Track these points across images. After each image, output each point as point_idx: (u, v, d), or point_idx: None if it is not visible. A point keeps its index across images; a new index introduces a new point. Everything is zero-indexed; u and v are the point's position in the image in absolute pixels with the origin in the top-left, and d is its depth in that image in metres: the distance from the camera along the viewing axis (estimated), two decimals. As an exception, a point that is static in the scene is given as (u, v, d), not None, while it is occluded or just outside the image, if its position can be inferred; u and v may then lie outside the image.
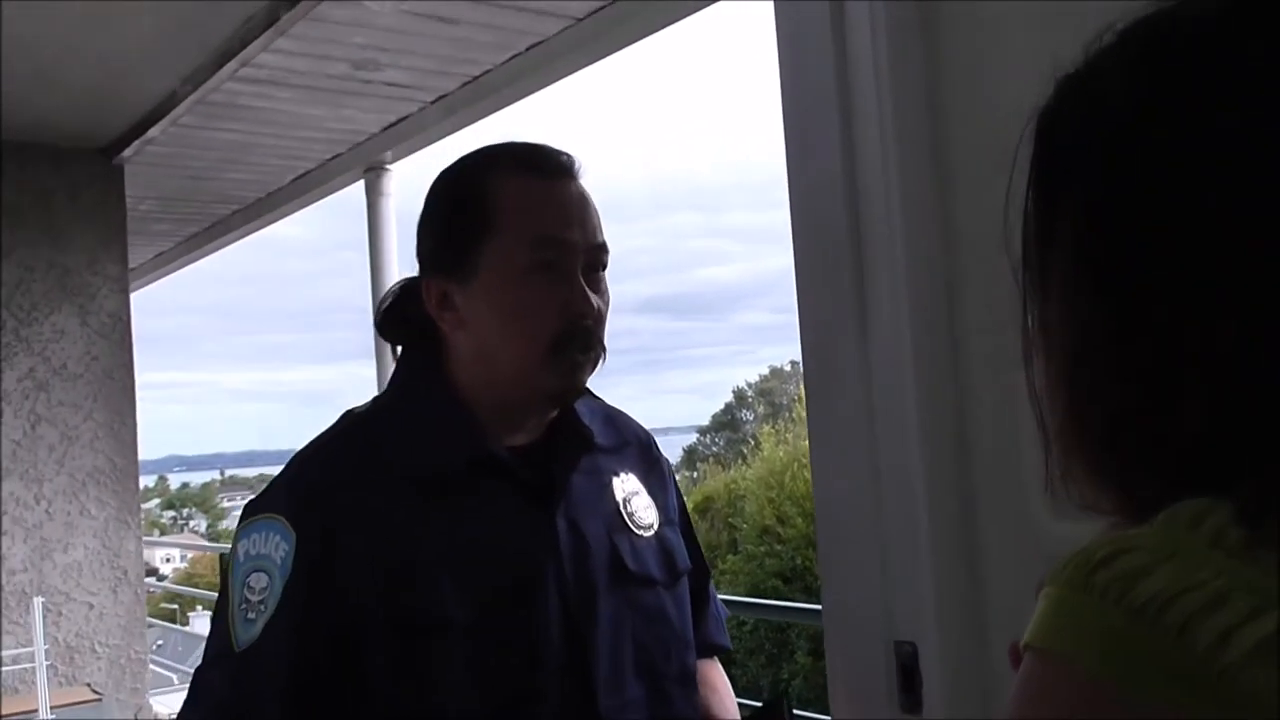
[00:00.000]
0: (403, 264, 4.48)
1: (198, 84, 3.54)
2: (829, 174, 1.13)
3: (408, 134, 4.08)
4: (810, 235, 1.17)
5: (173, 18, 3.12)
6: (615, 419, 1.36)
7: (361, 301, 4.50)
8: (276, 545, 1.12)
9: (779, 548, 13.38)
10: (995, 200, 0.64)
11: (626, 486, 1.29)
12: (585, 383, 1.22)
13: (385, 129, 4.11)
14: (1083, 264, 0.58)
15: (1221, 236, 0.53)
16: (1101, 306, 0.57)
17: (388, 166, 4.49)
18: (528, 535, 1.18)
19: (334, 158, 4.49)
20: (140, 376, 4.47)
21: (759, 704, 1.24)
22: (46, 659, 3.84)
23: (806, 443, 1.35)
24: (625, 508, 1.27)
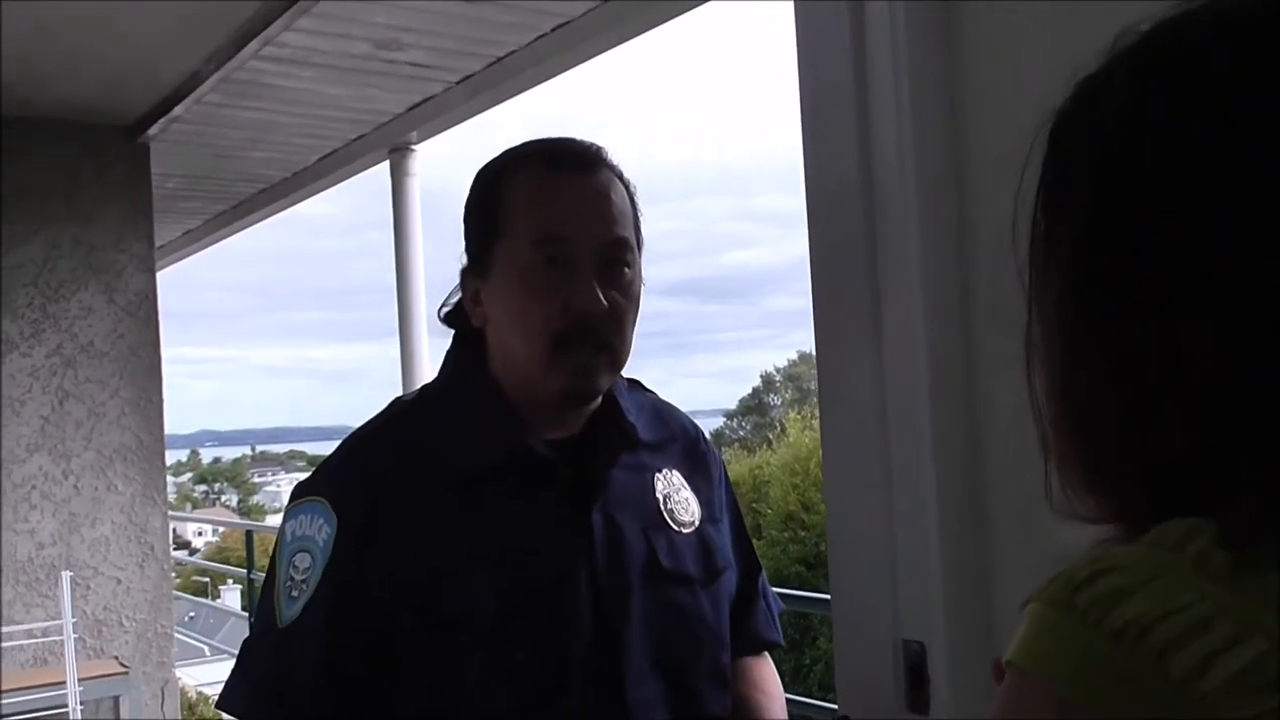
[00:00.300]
0: (427, 244, 4.49)
1: (221, 63, 3.54)
2: (845, 172, 1.12)
3: (432, 115, 4.06)
4: (825, 234, 1.16)
5: (196, -3, 3.13)
6: (664, 413, 1.36)
7: (389, 281, 4.51)
8: (320, 528, 1.16)
9: (803, 534, 13.36)
10: (1013, 201, 0.64)
11: (669, 483, 1.28)
12: (599, 383, 1.21)
13: (409, 109, 4.09)
14: (1077, 274, 0.58)
15: (1204, 259, 0.53)
16: (1092, 318, 0.57)
17: (413, 147, 4.47)
18: (562, 531, 1.18)
19: (359, 138, 4.48)
20: (173, 351, 4.52)
21: None
22: (74, 632, 3.89)
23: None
24: (665, 504, 1.26)
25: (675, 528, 1.25)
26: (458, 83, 3.80)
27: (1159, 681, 0.47)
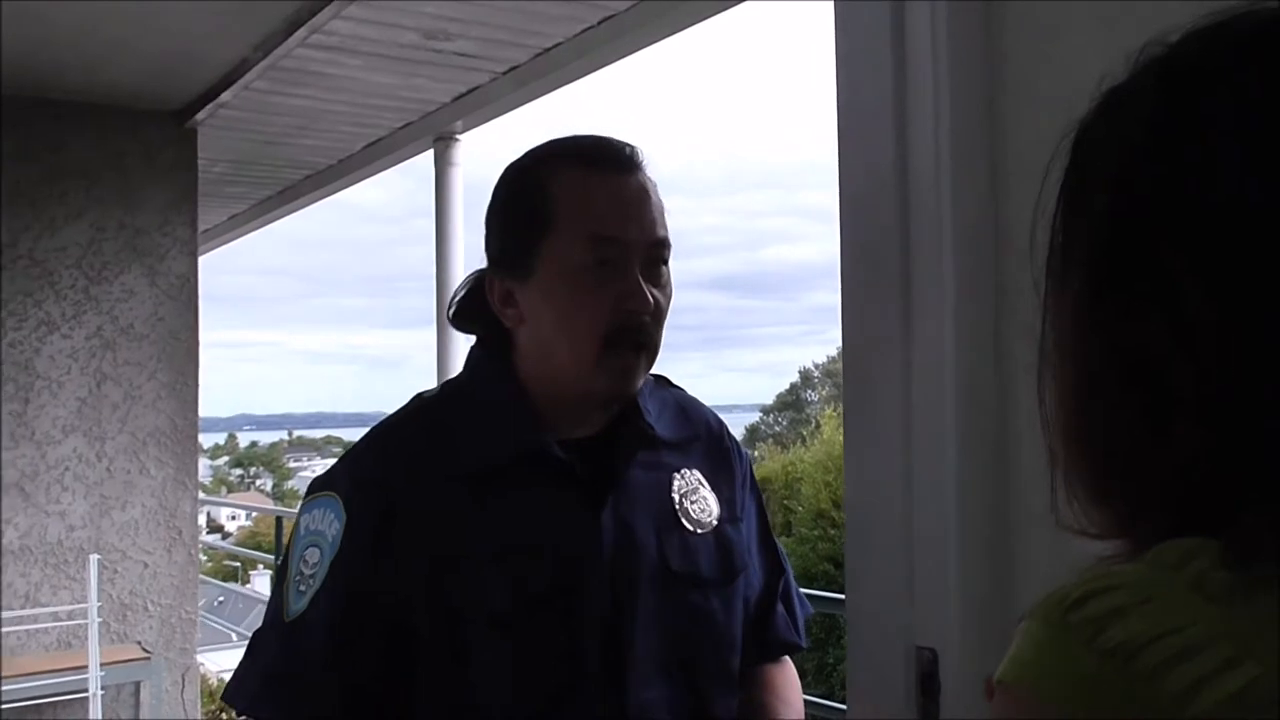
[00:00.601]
0: (469, 234, 4.46)
1: (269, 50, 3.53)
2: (880, 176, 1.10)
3: (477, 104, 4.04)
4: (858, 238, 1.14)
5: (245, -18, 3.11)
6: (689, 411, 1.36)
7: (431, 270, 4.49)
8: (330, 523, 1.17)
9: (833, 532, 13.31)
10: (1049, 208, 0.63)
11: (686, 482, 1.28)
12: (637, 384, 1.22)
13: (455, 99, 4.07)
14: (1093, 284, 0.58)
15: (1221, 274, 0.52)
16: (1106, 329, 0.57)
17: (458, 137, 4.46)
18: (573, 531, 1.18)
19: (404, 126, 4.47)
20: (214, 335, 4.56)
21: None
22: (99, 616, 3.88)
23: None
24: (681, 504, 1.26)
25: (690, 528, 1.25)
26: (504, 73, 3.78)
27: (1149, 704, 0.47)
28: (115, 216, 4.29)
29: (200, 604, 4.99)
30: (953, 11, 1.05)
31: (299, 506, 1.25)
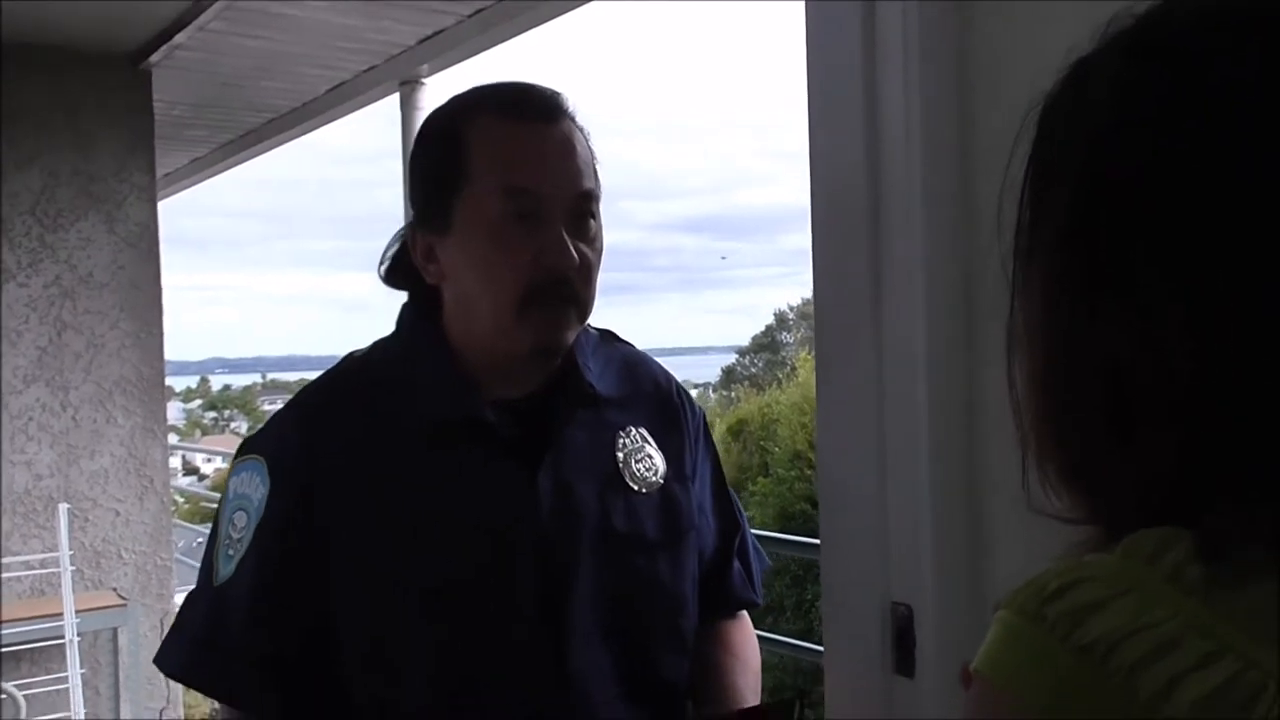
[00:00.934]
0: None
1: (225, -11, 3.44)
2: (852, 151, 1.08)
3: (443, 48, 3.95)
4: (829, 213, 1.12)
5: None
6: (635, 367, 1.31)
7: (401, 212, 4.44)
8: (256, 487, 1.14)
9: (809, 472, 13.44)
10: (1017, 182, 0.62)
11: (632, 441, 1.24)
12: (567, 337, 1.17)
13: (420, 42, 3.99)
14: (1061, 265, 0.56)
15: (1189, 255, 0.51)
16: (1074, 312, 0.55)
17: (423, 81, 4.37)
18: (506, 496, 1.15)
19: (368, 70, 4.37)
20: (183, 278, 4.49)
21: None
22: (72, 564, 3.88)
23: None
24: (625, 465, 1.22)
25: (635, 488, 1.21)
26: (470, 16, 3.70)
27: (1125, 701, 0.46)
28: (69, 162, 4.19)
29: (179, 546, 4.98)
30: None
31: (229, 468, 1.22)
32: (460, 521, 1.12)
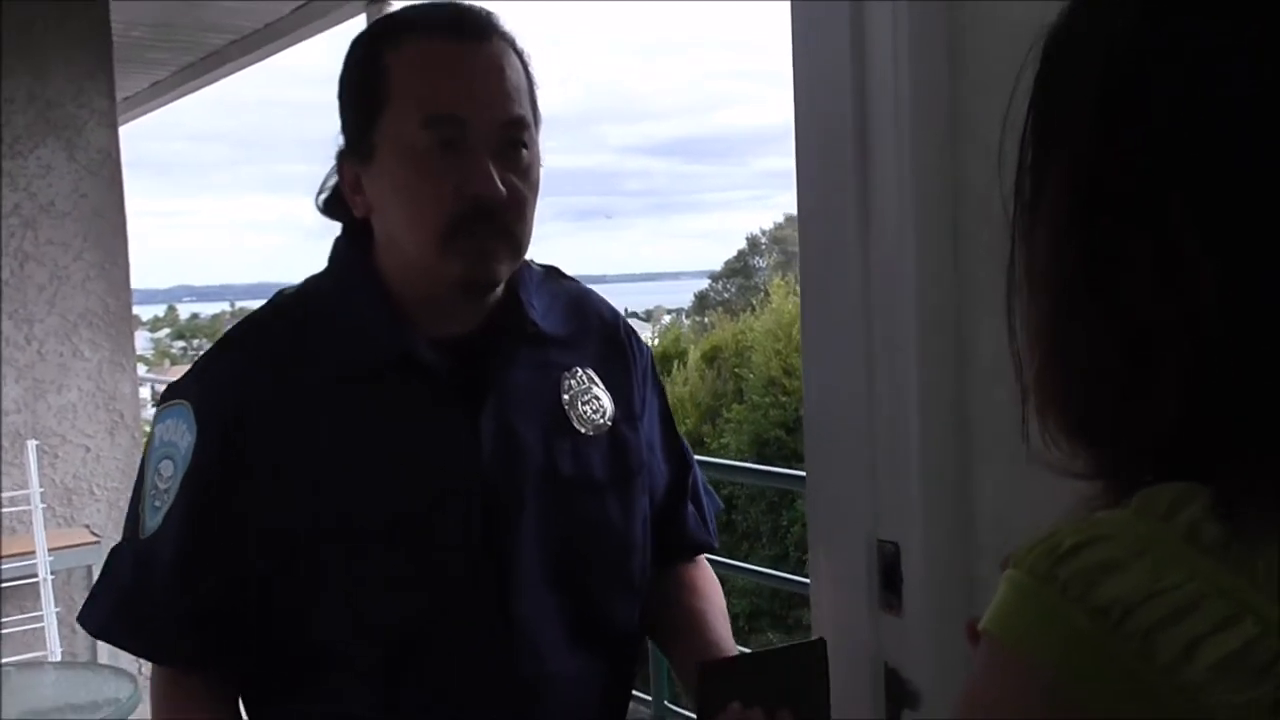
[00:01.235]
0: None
1: (180, -97, 3.30)
2: (837, 68, 1.05)
3: (409, -35, 3.84)
4: (814, 131, 1.09)
5: None
6: (580, 304, 1.26)
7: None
8: (183, 434, 1.10)
9: (784, 399, 13.54)
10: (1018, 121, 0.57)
11: (578, 382, 1.20)
12: (499, 270, 1.10)
13: (385, -41, 3.87)
14: (1072, 208, 0.53)
15: (1219, 190, 0.48)
16: (1086, 258, 0.52)
17: (391, 1, 4.26)
18: (446, 438, 1.11)
19: (333, -11, 4.26)
20: (144, 203, 4.37)
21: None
22: (43, 501, 3.83)
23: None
24: (571, 407, 1.18)
25: (582, 430, 1.17)
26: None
27: (1142, 666, 0.45)
28: (24, 87, 4.04)
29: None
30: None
31: (154, 414, 1.17)
32: (398, 464, 1.08)
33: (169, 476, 1.10)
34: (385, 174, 1.08)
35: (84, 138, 4.18)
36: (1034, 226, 0.56)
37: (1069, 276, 0.54)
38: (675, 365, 11.01)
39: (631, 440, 1.22)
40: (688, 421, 10.13)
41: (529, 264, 1.20)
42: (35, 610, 3.76)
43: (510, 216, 1.08)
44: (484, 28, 1.08)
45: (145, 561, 1.10)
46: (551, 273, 1.26)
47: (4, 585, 3.72)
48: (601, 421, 1.19)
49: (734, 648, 1.23)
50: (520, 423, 1.13)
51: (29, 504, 3.78)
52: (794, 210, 1.16)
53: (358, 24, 4.38)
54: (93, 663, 3.56)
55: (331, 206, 1.18)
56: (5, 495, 3.90)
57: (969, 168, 1.01)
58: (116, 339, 4.27)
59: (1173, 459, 0.51)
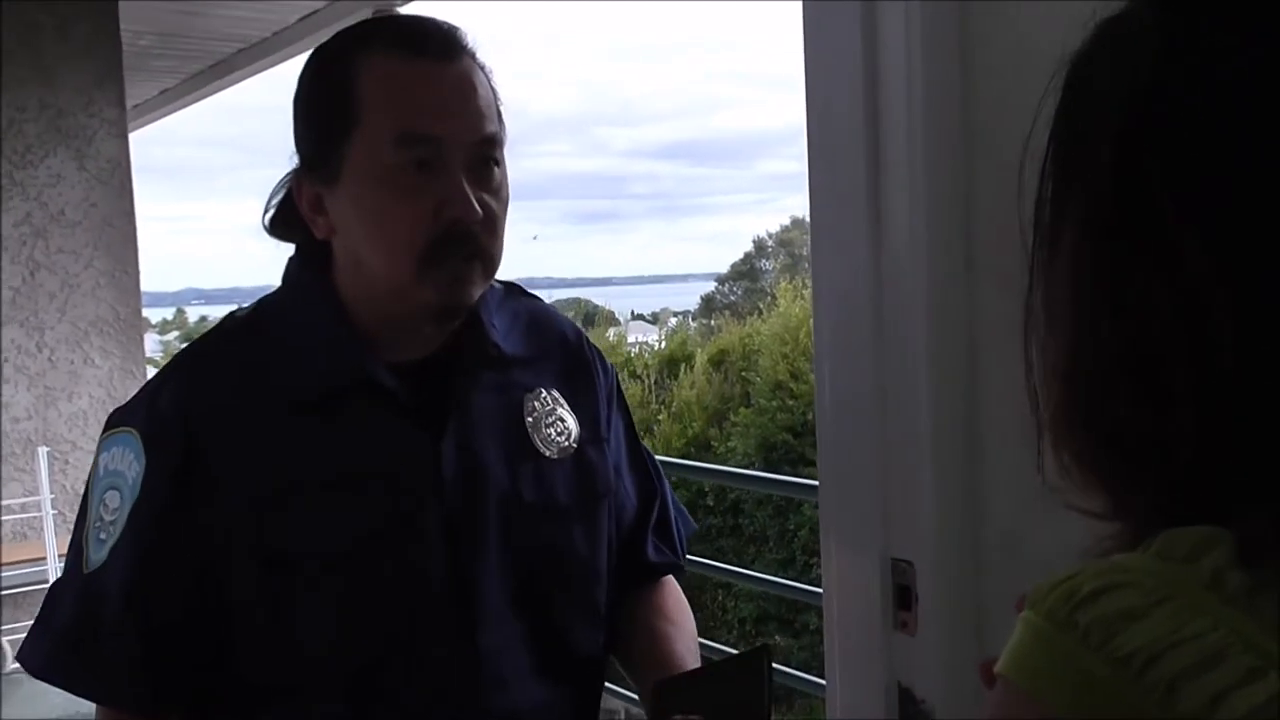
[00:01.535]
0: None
1: (190, -86, 3.32)
2: (849, 69, 1.03)
3: (417, -26, 3.85)
4: (826, 137, 1.08)
5: None
6: (541, 322, 1.23)
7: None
8: (130, 464, 1.05)
9: (791, 403, 13.51)
10: (1023, 113, 0.57)
11: (542, 404, 1.16)
12: (472, 294, 1.08)
13: (393, -31, 3.88)
14: (1091, 243, 0.52)
15: (1229, 251, 0.47)
16: (1104, 295, 0.51)
17: (397, 9, 4.26)
18: (407, 464, 1.07)
19: (341, -2, 4.27)
20: (153, 207, 4.38)
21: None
22: (54, 507, 3.85)
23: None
24: (535, 429, 1.15)
25: (546, 453, 1.14)
26: (444, -58, 3.59)
27: (1165, 716, 0.44)
28: (35, 96, 4.07)
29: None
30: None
31: (98, 442, 1.11)
32: (358, 491, 1.05)
33: (115, 508, 1.05)
34: (354, 195, 1.04)
35: (94, 147, 4.20)
36: (1053, 259, 0.55)
37: (1088, 314, 0.53)
38: (683, 369, 10.99)
39: (598, 462, 1.19)
40: (695, 425, 10.12)
41: (491, 283, 1.16)
42: (46, 617, 3.78)
43: (485, 238, 1.05)
44: (452, 45, 1.06)
45: (91, 597, 1.05)
46: (511, 290, 1.23)
47: (15, 591, 3.74)
48: (566, 444, 1.16)
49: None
50: (482, 447, 1.11)
51: (40, 510, 3.80)
52: (800, 213, 1.15)
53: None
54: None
55: (279, 227, 1.14)
56: (16, 502, 3.92)
57: (981, 169, 1.00)
58: (127, 346, 4.29)
59: (1187, 504, 0.50)
